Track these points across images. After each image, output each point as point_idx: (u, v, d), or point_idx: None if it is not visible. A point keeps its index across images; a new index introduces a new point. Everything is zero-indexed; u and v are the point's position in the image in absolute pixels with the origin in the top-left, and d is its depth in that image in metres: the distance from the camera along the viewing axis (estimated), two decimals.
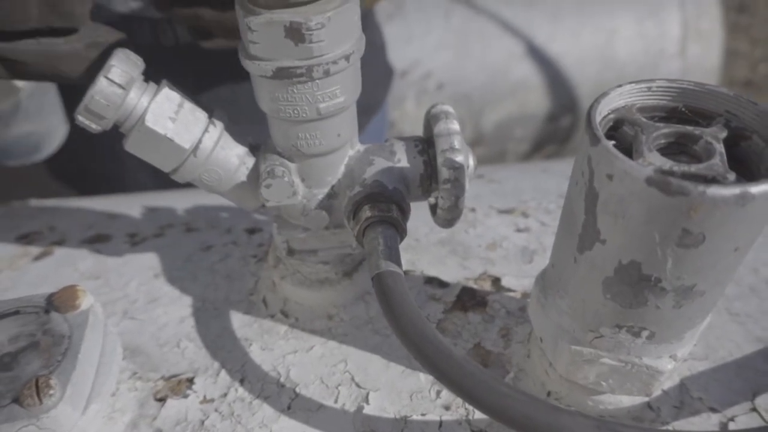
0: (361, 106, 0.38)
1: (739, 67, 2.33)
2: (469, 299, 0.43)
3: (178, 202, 0.61)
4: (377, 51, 0.80)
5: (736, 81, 2.28)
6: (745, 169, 0.26)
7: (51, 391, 0.30)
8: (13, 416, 0.29)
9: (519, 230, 0.51)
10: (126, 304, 0.45)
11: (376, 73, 0.81)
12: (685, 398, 0.35)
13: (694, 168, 0.24)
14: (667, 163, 0.24)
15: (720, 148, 0.25)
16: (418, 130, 0.41)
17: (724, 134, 0.26)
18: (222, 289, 0.46)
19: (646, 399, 0.34)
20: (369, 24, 0.76)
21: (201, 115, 0.36)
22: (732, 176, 0.24)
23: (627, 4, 1.55)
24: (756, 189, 0.22)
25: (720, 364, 0.37)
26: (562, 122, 1.55)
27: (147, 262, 0.50)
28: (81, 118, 0.33)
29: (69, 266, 0.50)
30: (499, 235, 0.50)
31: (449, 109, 0.38)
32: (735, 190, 0.22)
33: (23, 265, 0.50)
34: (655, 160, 0.25)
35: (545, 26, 1.46)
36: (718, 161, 0.25)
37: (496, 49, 1.44)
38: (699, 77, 1.60)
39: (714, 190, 0.22)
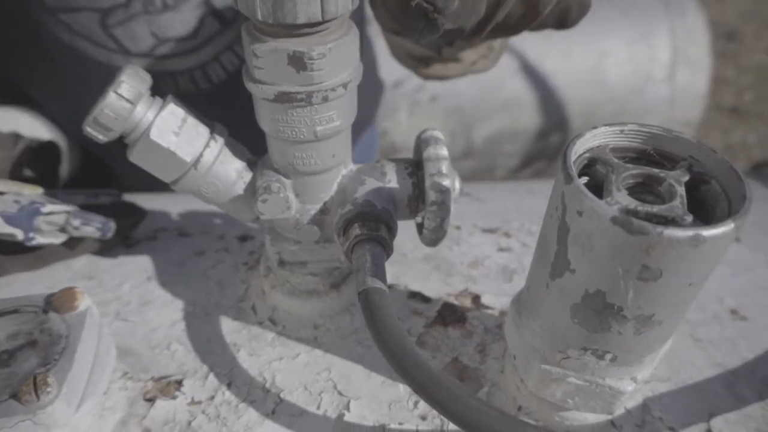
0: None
1: (725, 93, 2.39)
2: (449, 315, 0.45)
3: (171, 206, 0.63)
4: (368, 69, 0.83)
5: (722, 107, 2.34)
6: (704, 211, 0.29)
7: (48, 389, 0.31)
8: (10, 411, 0.31)
9: (501, 249, 0.53)
10: (119, 306, 0.46)
11: (367, 90, 0.83)
12: (646, 417, 0.37)
13: (656, 209, 0.26)
14: (632, 203, 0.27)
15: (681, 190, 0.28)
16: (410, 141, 0.43)
17: (686, 178, 0.28)
18: (213, 295, 0.48)
19: (610, 417, 0.37)
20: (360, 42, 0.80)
21: (203, 131, 0.38)
22: (689, 218, 0.26)
23: (618, 27, 1.59)
24: (707, 232, 0.24)
25: (681, 387, 0.39)
26: (551, 139, 1.58)
27: (140, 264, 0.51)
28: (89, 129, 0.34)
29: (63, 265, 0.51)
30: (482, 253, 0.52)
31: (439, 135, 0.40)
32: (689, 233, 0.24)
33: None
34: (621, 200, 0.27)
35: (538, 45, 1.49)
36: (678, 203, 0.27)
37: None
38: (687, 103, 1.64)
39: (670, 232, 0.24)
